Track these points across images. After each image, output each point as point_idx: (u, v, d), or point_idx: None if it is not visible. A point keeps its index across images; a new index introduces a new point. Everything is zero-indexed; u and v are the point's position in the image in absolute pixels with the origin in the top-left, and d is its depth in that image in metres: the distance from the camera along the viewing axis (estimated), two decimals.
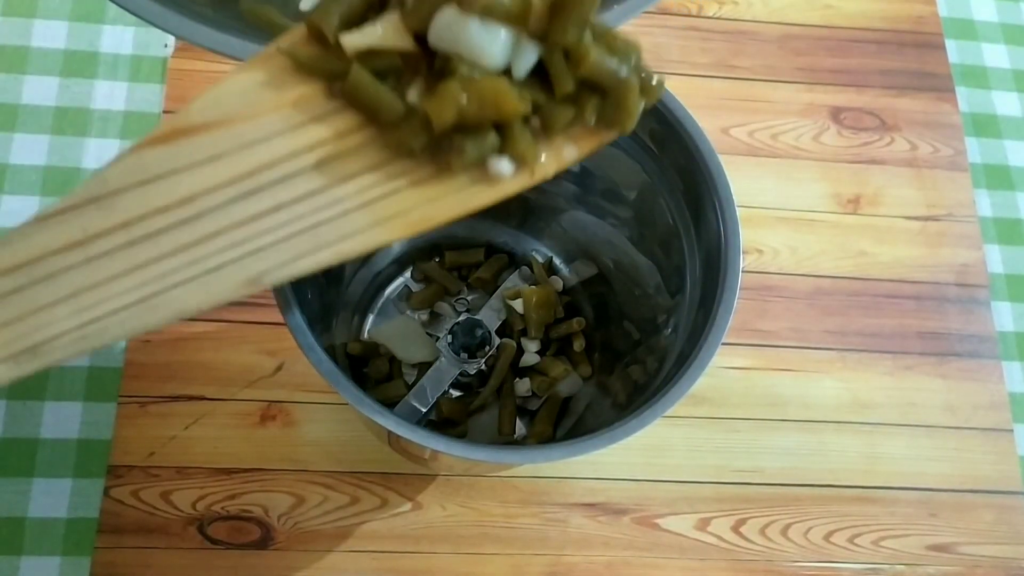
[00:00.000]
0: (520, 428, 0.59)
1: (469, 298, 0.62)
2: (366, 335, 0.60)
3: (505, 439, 0.58)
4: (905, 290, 0.71)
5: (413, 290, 0.62)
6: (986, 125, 0.78)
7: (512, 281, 0.60)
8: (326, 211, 0.30)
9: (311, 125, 0.30)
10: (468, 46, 0.29)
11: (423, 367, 0.58)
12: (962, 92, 0.79)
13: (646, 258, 0.52)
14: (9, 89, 0.68)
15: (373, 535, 0.60)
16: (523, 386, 0.59)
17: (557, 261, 0.62)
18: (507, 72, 0.30)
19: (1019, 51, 0.82)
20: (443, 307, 0.61)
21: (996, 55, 0.81)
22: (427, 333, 0.60)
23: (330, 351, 0.40)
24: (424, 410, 0.57)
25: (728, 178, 0.43)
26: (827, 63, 0.78)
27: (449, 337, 0.58)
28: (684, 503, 0.63)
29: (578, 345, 0.58)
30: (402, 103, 0.30)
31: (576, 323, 0.59)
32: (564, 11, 0.29)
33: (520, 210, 0.60)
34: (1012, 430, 0.68)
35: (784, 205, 0.73)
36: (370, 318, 0.61)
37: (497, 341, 0.58)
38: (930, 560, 0.64)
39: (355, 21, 0.30)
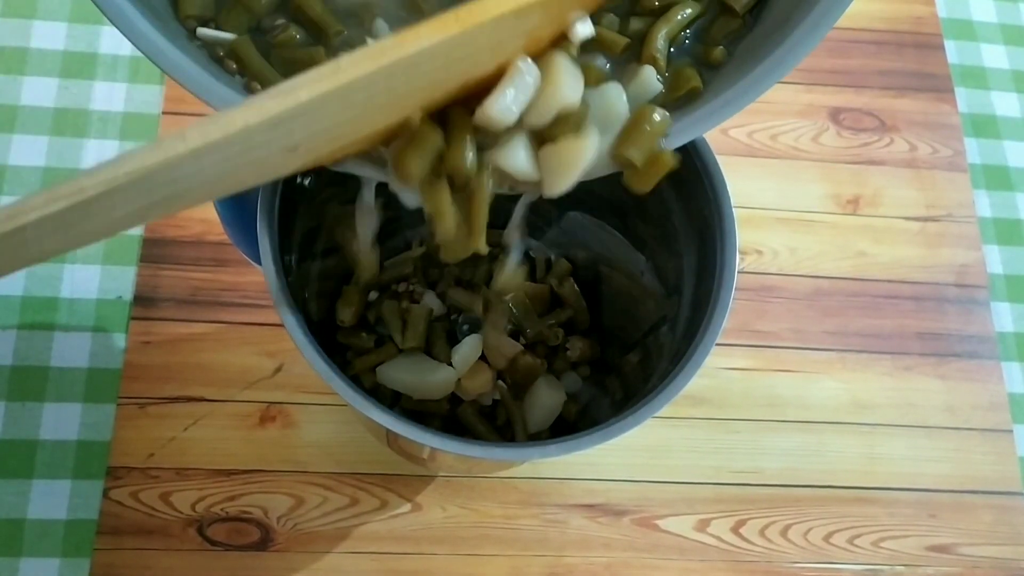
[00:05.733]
0: None
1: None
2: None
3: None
4: (904, 291, 0.71)
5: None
6: (985, 126, 0.78)
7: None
8: None
9: None
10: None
11: None
12: (961, 93, 0.79)
13: (643, 257, 0.52)
14: (8, 90, 0.69)
15: (373, 536, 0.60)
16: None
17: (554, 259, 0.62)
18: None
19: (1018, 52, 0.82)
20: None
21: (995, 56, 0.81)
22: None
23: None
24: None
25: (724, 175, 0.43)
26: (826, 63, 0.78)
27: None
28: (684, 504, 0.63)
29: (576, 349, 0.58)
30: None
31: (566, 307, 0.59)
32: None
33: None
34: (1012, 431, 0.68)
35: (783, 206, 0.73)
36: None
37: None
38: (930, 561, 0.64)
39: None
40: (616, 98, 0.35)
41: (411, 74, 0.30)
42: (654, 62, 0.36)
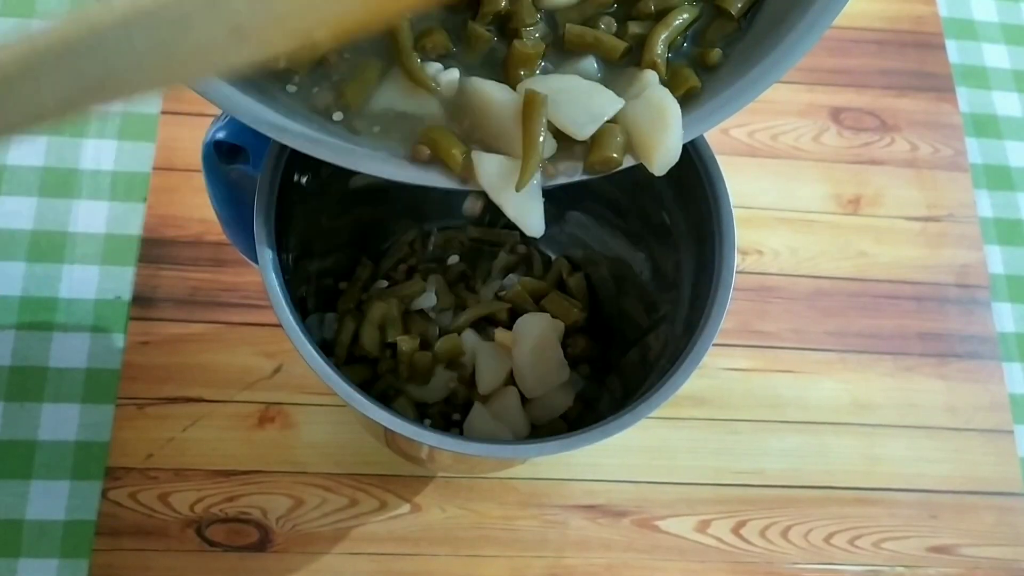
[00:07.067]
0: None
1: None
2: None
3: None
4: (905, 291, 0.71)
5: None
6: (986, 125, 0.78)
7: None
8: None
9: None
10: None
11: None
12: (962, 92, 0.79)
13: (643, 255, 0.52)
14: None
15: (372, 537, 0.60)
16: None
17: (554, 258, 0.62)
18: None
19: (1019, 51, 0.81)
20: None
21: (996, 55, 0.81)
22: None
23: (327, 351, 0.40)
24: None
25: (724, 175, 0.43)
26: (827, 63, 0.78)
27: None
28: (684, 505, 0.63)
29: (576, 347, 0.58)
30: None
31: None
32: None
33: None
34: (1012, 431, 0.68)
35: (784, 206, 0.73)
36: None
37: None
38: (931, 562, 0.64)
39: None
40: (663, 98, 0.35)
41: None
42: (655, 67, 0.37)
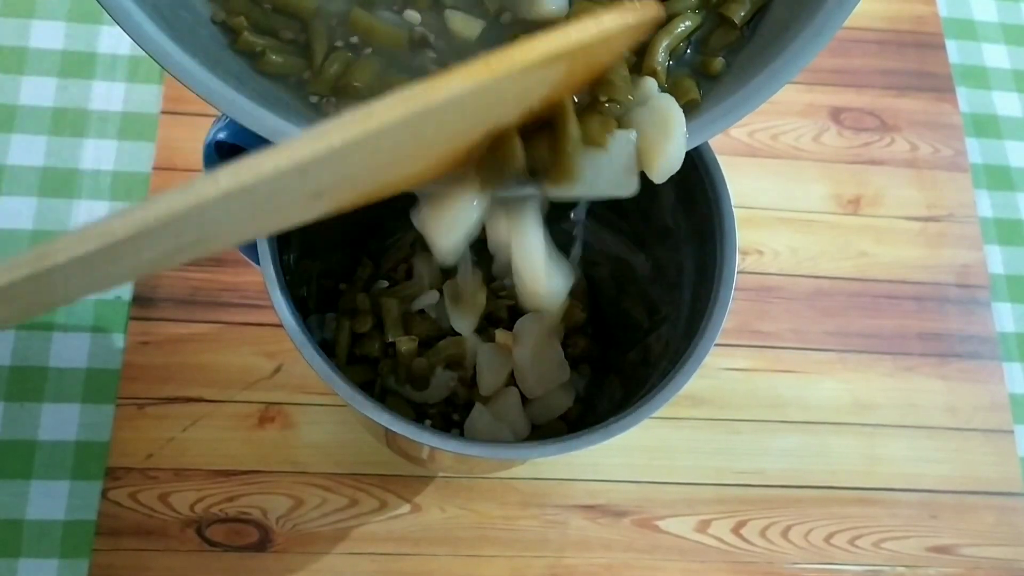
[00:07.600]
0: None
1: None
2: None
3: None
4: (905, 291, 0.71)
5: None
6: (986, 125, 0.78)
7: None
8: None
9: None
10: None
11: None
12: (962, 92, 0.79)
13: (644, 256, 0.52)
14: (6, 90, 0.68)
15: (372, 537, 0.60)
16: None
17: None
18: None
19: (1019, 51, 0.81)
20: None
21: (996, 55, 0.81)
22: None
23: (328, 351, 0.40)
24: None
25: (725, 175, 0.43)
26: (827, 63, 0.78)
27: None
28: (684, 505, 0.63)
29: (577, 347, 0.58)
30: None
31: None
32: None
33: None
34: (1013, 431, 0.68)
35: (784, 206, 0.72)
36: None
37: None
38: (931, 562, 0.64)
39: None
40: (668, 106, 0.35)
41: (438, 120, 0.30)
42: (655, 74, 0.37)
